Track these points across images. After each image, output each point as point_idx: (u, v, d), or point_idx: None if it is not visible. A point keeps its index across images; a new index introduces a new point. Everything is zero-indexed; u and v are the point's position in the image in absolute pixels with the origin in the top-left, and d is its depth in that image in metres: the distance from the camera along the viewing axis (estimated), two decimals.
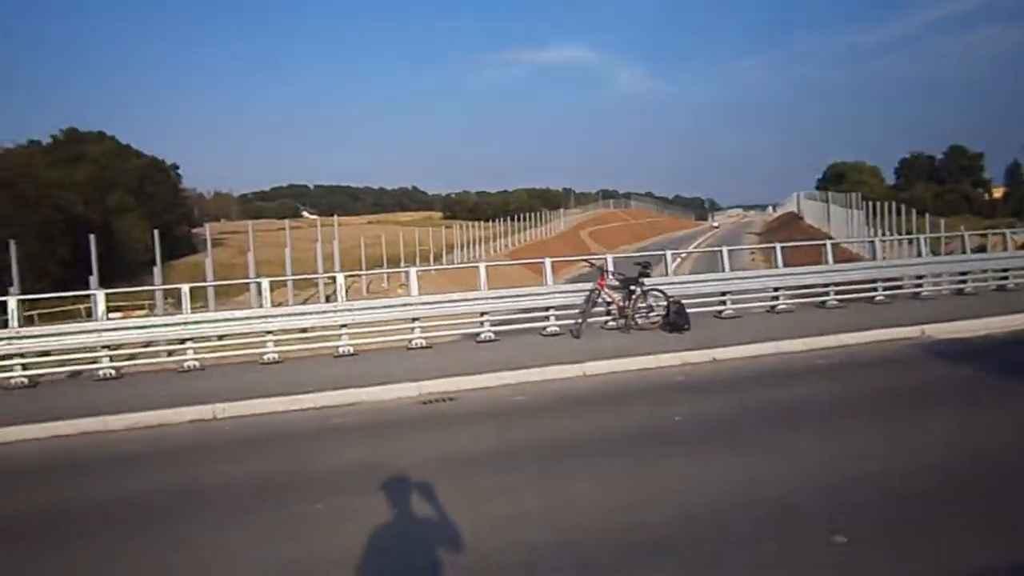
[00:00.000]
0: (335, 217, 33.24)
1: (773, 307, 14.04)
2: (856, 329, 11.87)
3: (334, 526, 5.33)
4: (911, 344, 11.42)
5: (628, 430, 7.72)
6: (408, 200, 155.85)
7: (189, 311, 11.60)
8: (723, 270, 13.89)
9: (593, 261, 13.35)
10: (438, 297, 12.60)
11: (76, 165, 56.39)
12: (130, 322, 12.50)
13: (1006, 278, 15.52)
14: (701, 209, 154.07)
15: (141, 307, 30.69)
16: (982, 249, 23.27)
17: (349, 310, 12.05)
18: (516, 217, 62.29)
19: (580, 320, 12.52)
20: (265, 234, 36.81)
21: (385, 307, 12.43)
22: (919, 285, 15.14)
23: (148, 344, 12.08)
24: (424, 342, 12.22)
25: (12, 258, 16.57)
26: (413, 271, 12.68)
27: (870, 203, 43.75)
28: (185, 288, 11.62)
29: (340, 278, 12.48)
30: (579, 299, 12.80)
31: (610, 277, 12.82)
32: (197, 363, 11.47)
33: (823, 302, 14.36)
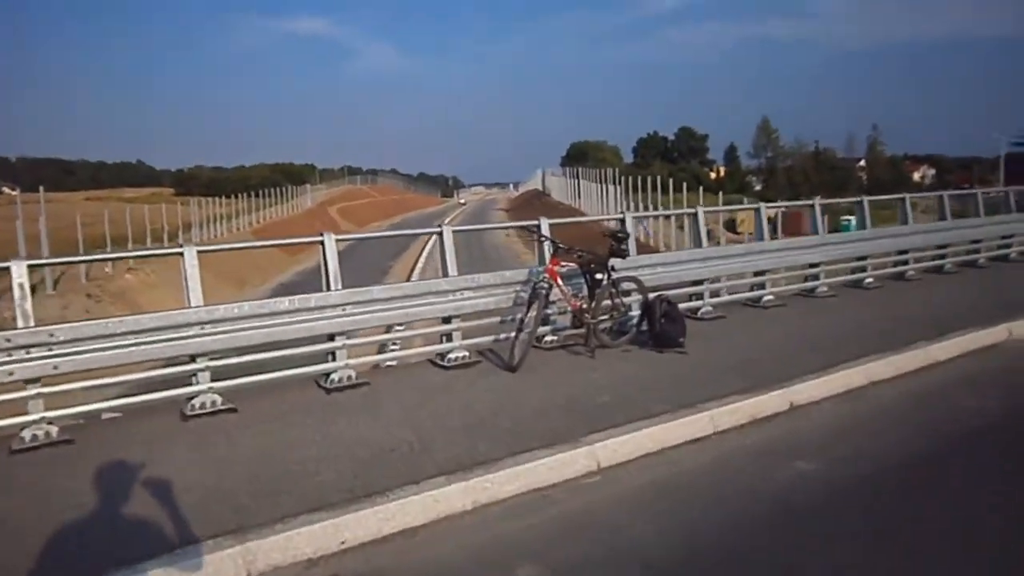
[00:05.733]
0: (40, 191, 24.25)
1: (813, 289, 9.65)
2: None
3: None
4: None
5: None
6: (132, 175, 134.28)
7: None
8: (700, 245, 8.92)
9: (532, 228, 7.65)
10: (245, 306, 6.13)
11: None
12: None
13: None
14: (446, 186, 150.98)
15: None
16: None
17: (47, 345, 5.32)
18: (258, 193, 54.05)
19: (526, 335, 6.87)
20: None
21: (149, 332, 5.80)
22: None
23: None
24: (220, 400, 5.87)
25: None
26: (192, 250, 6.05)
27: (624, 178, 42.11)
28: None
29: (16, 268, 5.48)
30: (503, 298, 7.19)
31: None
32: None
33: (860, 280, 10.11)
